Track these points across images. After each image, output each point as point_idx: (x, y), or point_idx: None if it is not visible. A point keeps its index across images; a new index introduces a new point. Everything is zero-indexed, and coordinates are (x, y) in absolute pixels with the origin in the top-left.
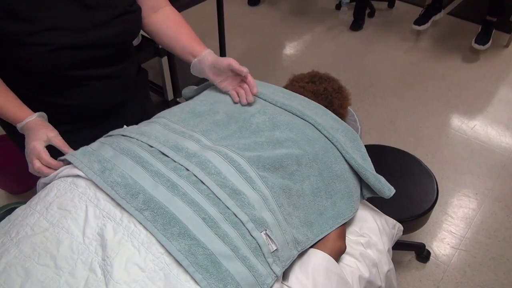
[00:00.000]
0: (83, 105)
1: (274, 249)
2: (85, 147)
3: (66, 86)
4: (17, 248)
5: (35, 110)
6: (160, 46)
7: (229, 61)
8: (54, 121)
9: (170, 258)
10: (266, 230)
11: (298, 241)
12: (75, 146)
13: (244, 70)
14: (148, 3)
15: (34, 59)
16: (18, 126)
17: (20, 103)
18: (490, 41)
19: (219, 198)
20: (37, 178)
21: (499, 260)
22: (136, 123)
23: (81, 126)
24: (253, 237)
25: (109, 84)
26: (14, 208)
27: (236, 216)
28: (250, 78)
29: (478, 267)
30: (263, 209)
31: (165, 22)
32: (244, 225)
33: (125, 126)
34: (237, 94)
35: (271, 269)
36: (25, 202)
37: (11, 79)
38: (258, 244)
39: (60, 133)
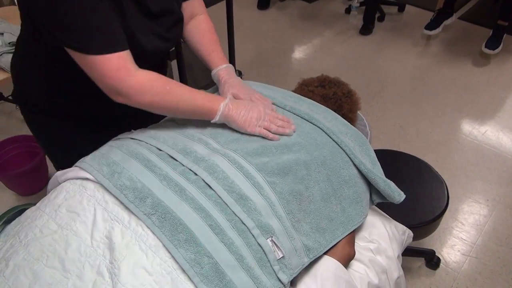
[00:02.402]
0: (121, 110)
1: (280, 257)
2: (94, 152)
3: None
4: (25, 250)
5: (73, 111)
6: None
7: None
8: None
9: (177, 263)
10: (272, 236)
11: (309, 248)
12: (85, 149)
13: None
14: (188, 10)
15: None
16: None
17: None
18: (501, 46)
19: (226, 204)
20: (47, 180)
21: (511, 268)
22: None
23: (99, 128)
24: (259, 244)
25: None
26: (24, 210)
27: (243, 223)
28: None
29: (489, 275)
30: (269, 215)
31: (192, 31)
32: (250, 232)
33: (132, 130)
34: None
35: (277, 276)
36: (34, 204)
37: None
38: (264, 251)
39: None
